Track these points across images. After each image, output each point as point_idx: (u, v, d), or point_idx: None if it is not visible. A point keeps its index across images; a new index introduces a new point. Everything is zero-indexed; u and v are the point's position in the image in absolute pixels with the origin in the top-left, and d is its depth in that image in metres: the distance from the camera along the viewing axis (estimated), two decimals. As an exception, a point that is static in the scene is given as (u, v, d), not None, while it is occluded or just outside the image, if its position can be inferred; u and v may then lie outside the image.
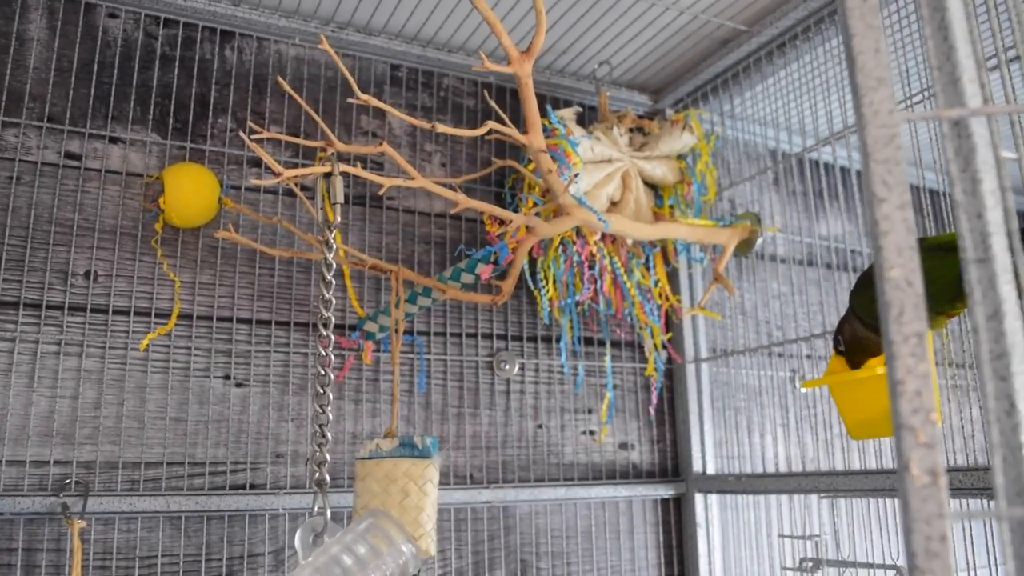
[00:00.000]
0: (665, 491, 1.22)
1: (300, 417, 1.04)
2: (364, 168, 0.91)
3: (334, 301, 0.81)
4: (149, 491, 0.94)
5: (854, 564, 1.02)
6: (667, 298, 1.21)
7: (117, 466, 0.95)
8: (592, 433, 1.21)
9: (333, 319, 0.81)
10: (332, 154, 0.77)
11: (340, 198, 0.76)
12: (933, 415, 0.38)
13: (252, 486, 0.99)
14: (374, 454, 0.89)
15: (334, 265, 0.80)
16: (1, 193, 0.96)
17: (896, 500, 1.03)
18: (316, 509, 0.70)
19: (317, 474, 0.71)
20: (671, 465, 1.26)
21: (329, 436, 0.73)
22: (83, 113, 1.01)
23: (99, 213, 1.00)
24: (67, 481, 0.91)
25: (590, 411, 1.22)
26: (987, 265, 0.40)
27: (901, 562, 0.97)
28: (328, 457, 0.72)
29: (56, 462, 0.92)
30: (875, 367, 0.88)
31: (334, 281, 0.82)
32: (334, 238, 0.80)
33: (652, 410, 1.18)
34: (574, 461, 1.19)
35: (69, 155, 1.00)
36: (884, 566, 1.00)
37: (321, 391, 0.74)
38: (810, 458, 1.28)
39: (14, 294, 0.95)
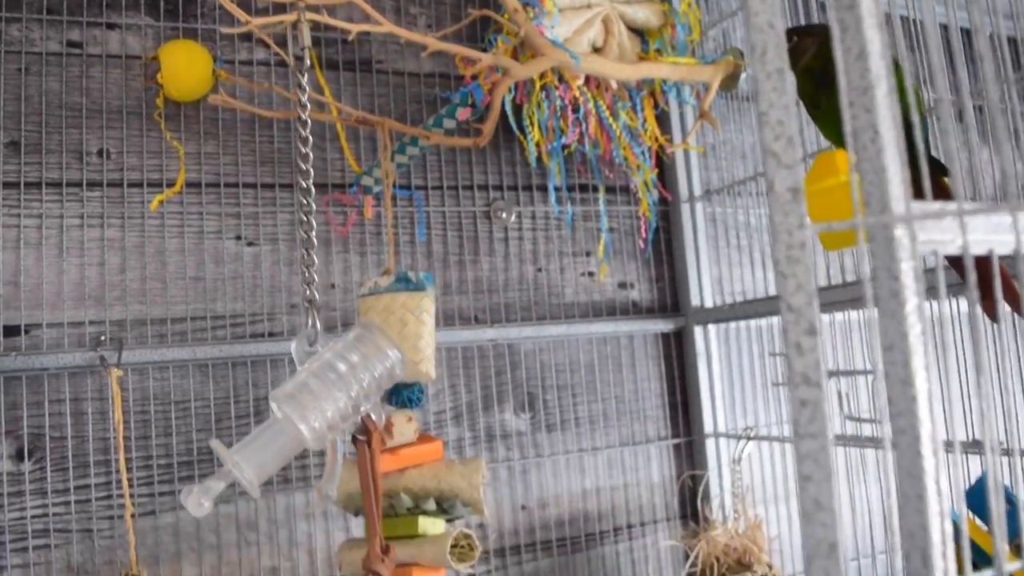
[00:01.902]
0: (665, 326, 1.29)
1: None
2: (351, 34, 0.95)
3: (311, 156, 0.86)
4: (176, 343, 1.04)
5: (837, 372, 1.08)
6: (656, 139, 1.24)
7: (146, 323, 1.04)
8: (591, 274, 1.27)
9: (312, 171, 0.86)
10: (300, 3, 0.81)
11: (307, 42, 0.81)
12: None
13: (271, 334, 1.08)
14: (373, 290, 0.96)
15: (308, 121, 0.85)
16: (13, 84, 1.03)
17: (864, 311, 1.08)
18: (309, 323, 0.78)
19: (307, 291, 0.78)
20: (670, 302, 1.32)
21: (315, 259, 0.80)
22: (79, 3, 1.06)
23: (105, 95, 1.06)
24: (102, 338, 1.00)
25: (588, 254, 1.27)
26: (854, 11, 0.44)
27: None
28: (316, 277, 0.79)
29: (91, 322, 1.02)
30: (841, 172, 0.92)
31: (310, 137, 0.87)
32: (307, 93, 0.84)
33: (643, 243, 1.23)
34: (574, 301, 1.26)
35: (71, 44, 1.06)
36: (864, 372, 1.06)
37: (305, 236, 0.80)
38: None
39: (36, 175, 1.02)
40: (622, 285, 1.29)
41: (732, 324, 1.29)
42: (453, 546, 0.92)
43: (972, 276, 0.43)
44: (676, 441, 1.29)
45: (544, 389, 1.22)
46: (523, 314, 1.22)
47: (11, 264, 0.99)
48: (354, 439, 0.78)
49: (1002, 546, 0.45)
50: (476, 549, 0.94)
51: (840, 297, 1.05)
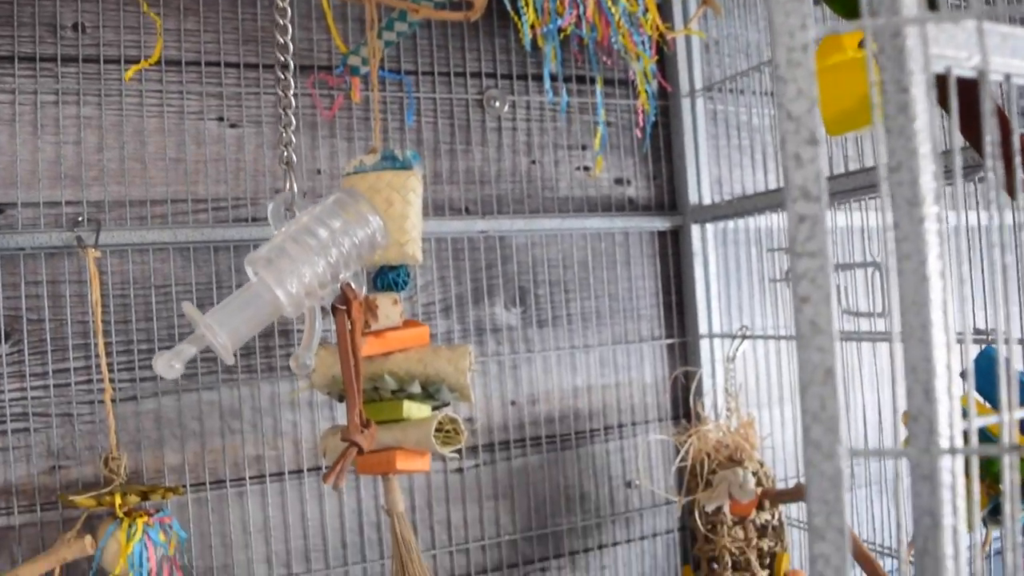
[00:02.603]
0: (662, 223, 1.26)
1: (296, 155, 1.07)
2: None
3: (291, 46, 0.82)
4: (157, 226, 1.00)
5: (837, 266, 1.05)
6: (657, 28, 1.19)
7: (125, 204, 1.00)
8: (587, 169, 1.23)
9: (291, 44, 0.82)
10: None
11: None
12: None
13: (254, 219, 1.04)
14: (358, 169, 0.93)
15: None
16: (-20, -45, 0.97)
17: (871, 200, 1.04)
18: (287, 186, 0.75)
19: (285, 154, 0.75)
20: (668, 200, 1.28)
21: (293, 118, 0.76)
22: None
23: (77, -34, 1.01)
24: (80, 219, 0.97)
25: (584, 147, 1.23)
26: None
27: (880, 259, 1.00)
28: (294, 139, 0.75)
29: (68, 202, 0.98)
30: (848, 50, 0.87)
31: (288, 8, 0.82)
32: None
33: (641, 132, 1.19)
34: (569, 195, 1.22)
35: (39, -89, 1.00)
36: (864, 264, 1.03)
37: (283, 94, 0.76)
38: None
39: (8, 48, 0.97)
40: (618, 181, 1.26)
41: (731, 223, 1.26)
42: (438, 430, 0.91)
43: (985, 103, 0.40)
44: (670, 341, 1.27)
45: (536, 284, 1.19)
46: (515, 207, 1.18)
47: (-17, 141, 0.96)
48: (333, 309, 0.75)
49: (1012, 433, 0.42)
50: (462, 434, 0.93)
51: (843, 187, 1.01)
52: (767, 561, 1.09)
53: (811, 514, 0.38)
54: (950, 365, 0.38)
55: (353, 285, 0.74)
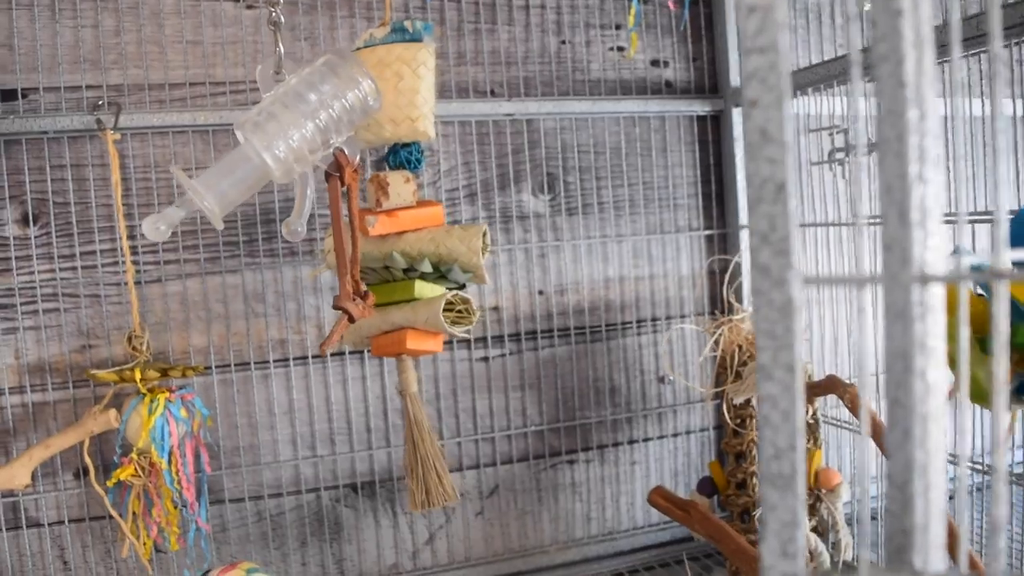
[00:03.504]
0: (701, 108, 1.19)
1: (313, 36, 1.05)
2: None
3: None
4: (176, 108, 1.00)
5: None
6: None
7: (144, 88, 1.00)
8: (621, 49, 1.17)
9: None
10: None
11: None
12: None
13: (271, 101, 1.03)
14: (368, 43, 0.89)
15: None
16: None
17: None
18: (275, 49, 0.72)
19: (273, 14, 0.72)
20: (708, 82, 1.22)
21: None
22: None
23: None
24: (100, 102, 0.97)
25: (618, 27, 1.17)
26: None
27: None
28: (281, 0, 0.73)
29: (88, 86, 0.98)
30: None
31: None
32: None
33: (674, 5, 1.12)
34: (601, 78, 1.17)
35: None
36: (832, 128, 0.97)
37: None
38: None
39: (22, -70, 0.96)
40: (655, 63, 1.19)
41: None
42: (448, 309, 0.89)
43: None
44: (708, 232, 1.22)
45: (566, 170, 1.15)
46: (544, 89, 1.14)
47: (4, 26, 0.95)
48: (327, 175, 0.73)
49: None
50: (473, 314, 0.91)
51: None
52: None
53: (758, 349, 0.35)
54: (926, 178, 0.34)
55: (346, 151, 0.72)
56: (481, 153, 1.11)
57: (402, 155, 0.91)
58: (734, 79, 1.18)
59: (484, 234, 0.92)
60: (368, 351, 1.05)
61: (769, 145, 0.33)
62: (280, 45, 0.73)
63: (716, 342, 1.06)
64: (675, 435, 1.22)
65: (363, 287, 0.75)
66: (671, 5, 1.12)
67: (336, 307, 0.74)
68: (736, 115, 1.18)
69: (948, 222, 0.82)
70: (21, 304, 0.97)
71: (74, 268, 0.98)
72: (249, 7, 1.03)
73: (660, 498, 0.94)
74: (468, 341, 1.12)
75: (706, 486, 1.05)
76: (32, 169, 0.96)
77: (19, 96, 0.96)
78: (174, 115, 0.99)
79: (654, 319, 1.20)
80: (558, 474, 1.18)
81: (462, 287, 0.94)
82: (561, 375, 1.16)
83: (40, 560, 0.99)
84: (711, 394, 1.09)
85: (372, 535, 1.10)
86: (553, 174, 1.14)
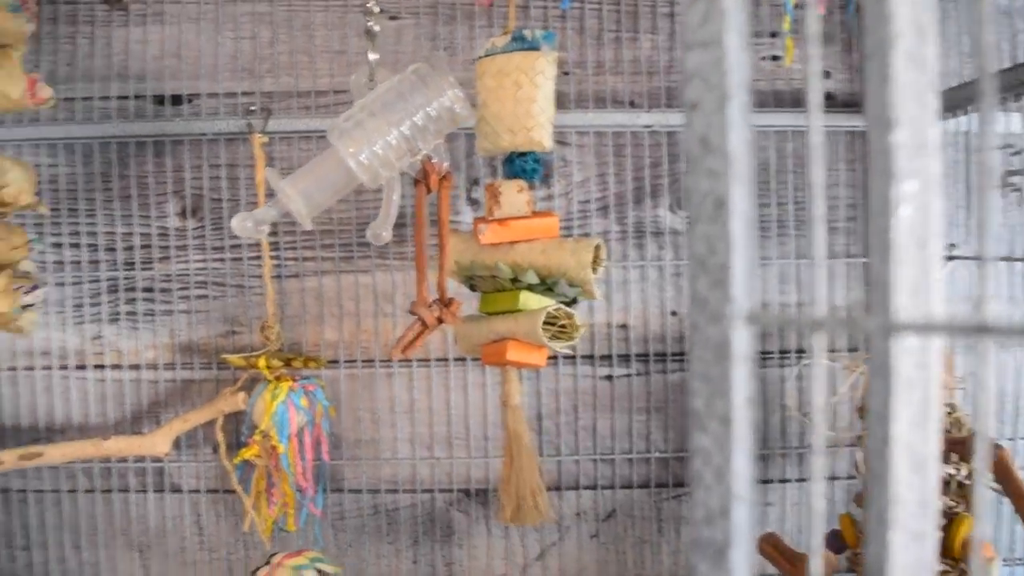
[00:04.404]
0: (864, 123, 1.08)
1: (453, 47, 1.07)
2: None
3: None
4: (320, 114, 1.05)
5: None
6: None
7: (293, 94, 1.06)
8: (776, 58, 1.10)
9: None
10: None
11: None
12: None
13: (407, 108, 1.06)
14: (489, 52, 0.89)
15: None
16: None
17: None
18: (369, 54, 0.74)
19: (368, 23, 0.74)
20: (879, 95, 1.10)
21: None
22: None
23: None
24: (252, 107, 1.04)
25: (773, 35, 1.09)
26: None
27: None
28: (377, 8, 0.74)
29: (243, 93, 1.06)
30: None
31: None
32: None
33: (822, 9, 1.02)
34: (752, 88, 1.09)
35: None
36: None
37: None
38: None
39: (204, -50, 1.06)
40: (814, 72, 1.10)
41: (950, 122, 1.05)
42: (549, 324, 0.87)
43: None
44: (867, 260, 1.11)
45: (705, 186, 1.09)
46: (669, 101, 1.08)
47: (173, 38, 1.06)
48: (415, 181, 0.74)
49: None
50: (577, 329, 0.89)
51: None
52: (943, 523, 0.93)
53: (691, 394, 0.30)
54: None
55: (434, 159, 0.72)
56: (617, 165, 1.08)
57: (518, 164, 0.90)
58: (908, 91, 1.07)
59: (597, 248, 0.89)
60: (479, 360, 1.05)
61: (710, 156, 0.29)
62: (375, 55, 0.74)
63: (855, 380, 0.95)
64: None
65: (448, 294, 0.74)
66: (820, 10, 1.03)
67: (411, 312, 0.75)
68: (908, 131, 1.06)
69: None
70: (177, 289, 1.07)
71: (223, 260, 1.07)
72: (392, 18, 1.06)
73: (769, 546, 0.87)
74: (592, 357, 1.09)
75: (834, 541, 0.95)
76: (192, 167, 1.06)
77: (184, 101, 1.06)
78: (318, 120, 1.04)
79: (799, 351, 1.11)
80: (682, 506, 1.11)
81: (573, 302, 0.92)
82: (674, 402, 1.10)
83: (179, 523, 1.08)
84: (846, 439, 0.99)
85: (483, 543, 1.10)
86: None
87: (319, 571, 0.74)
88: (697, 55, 0.29)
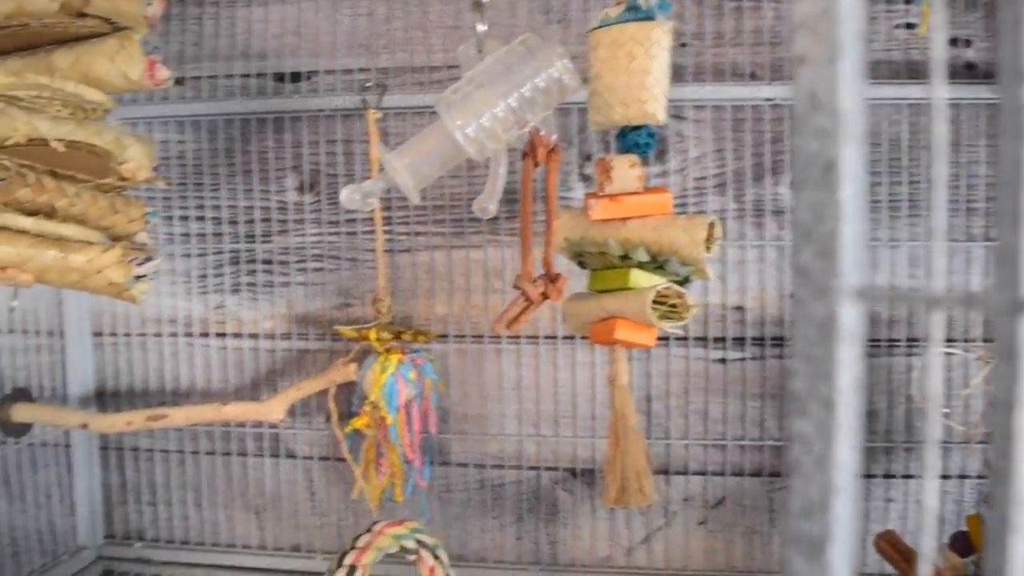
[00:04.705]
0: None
1: (567, 19, 1.05)
2: None
3: None
4: (434, 90, 1.05)
5: None
6: None
7: (408, 70, 1.07)
8: (910, 26, 1.02)
9: None
10: None
11: None
12: None
13: (519, 83, 1.05)
14: (603, 22, 0.87)
15: None
16: None
17: None
18: (477, 26, 0.73)
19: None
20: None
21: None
22: None
23: None
24: (367, 83, 1.06)
25: (908, 0, 1.02)
26: None
27: None
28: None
29: (360, 69, 1.08)
30: None
31: None
32: None
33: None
34: (884, 59, 1.02)
35: None
36: None
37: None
38: None
39: (325, -71, 1.08)
40: (954, 41, 1.02)
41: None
42: (659, 303, 0.85)
43: None
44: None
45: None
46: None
47: (293, 17, 1.08)
48: (523, 154, 0.72)
49: None
50: (687, 309, 0.86)
51: None
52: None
53: (793, 375, 0.28)
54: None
55: (542, 131, 0.71)
56: (736, 141, 1.04)
57: (630, 139, 0.88)
58: (1064, 59, 0.97)
59: (711, 226, 0.86)
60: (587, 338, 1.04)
61: (819, 114, 0.27)
62: (483, 26, 0.73)
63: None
64: (945, 477, 1.05)
65: (554, 269, 0.73)
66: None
67: (515, 286, 0.74)
68: (1063, 103, 0.97)
69: None
70: (294, 262, 1.10)
71: (338, 234, 1.09)
72: (509, -10, 1.05)
73: (887, 544, 0.82)
74: (705, 339, 1.06)
75: (960, 542, 0.89)
76: (309, 143, 1.08)
77: (303, 78, 1.08)
78: (432, 95, 1.04)
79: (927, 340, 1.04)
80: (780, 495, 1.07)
81: (685, 281, 0.89)
82: (807, 388, 1.05)
83: (293, 488, 1.12)
84: (975, 435, 0.92)
85: (588, 523, 1.09)
86: (816, 165, 1.03)
87: (419, 541, 0.75)
88: (805, 3, 0.26)
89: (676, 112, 1.04)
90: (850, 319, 0.27)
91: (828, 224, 0.26)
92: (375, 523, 0.75)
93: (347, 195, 0.69)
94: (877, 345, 1.04)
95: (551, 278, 0.75)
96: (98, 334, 1.14)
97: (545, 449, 1.09)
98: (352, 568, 0.69)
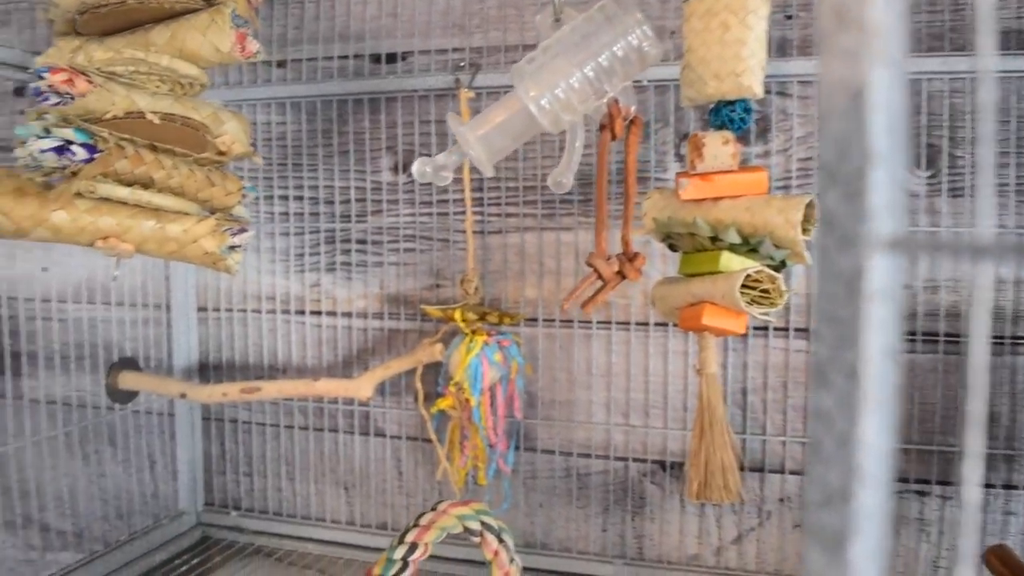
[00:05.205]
0: None
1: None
2: None
3: None
4: (526, 68, 1.04)
5: None
6: None
7: (501, 49, 1.05)
8: (1053, -11, 0.92)
9: None
10: None
11: None
12: None
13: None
14: (696, -11, 0.83)
15: None
16: None
17: None
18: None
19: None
20: None
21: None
22: None
23: None
24: (461, 63, 1.05)
25: (1051, -40, 0.92)
26: None
27: None
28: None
29: (454, 49, 1.07)
30: None
31: None
32: None
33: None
34: (1013, 28, 0.93)
35: None
36: None
37: None
38: None
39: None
40: (1105, 4, 0.91)
41: None
42: (749, 287, 0.80)
43: None
44: None
45: (953, 142, 0.94)
46: (931, 43, 0.94)
47: (390, -2, 1.09)
48: (601, 126, 0.69)
49: None
50: (781, 295, 0.80)
51: None
52: None
53: (815, 339, 0.24)
54: None
55: (621, 102, 0.67)
56: (846, 118, 0.97)
57: (724, 114, 0.83)
58: None
59: (809, 207, 0.80)
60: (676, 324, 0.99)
61: (845, 31, 0.23)
62: (560, -10, 0.71)
63: None
64: (1079, 489, 0.95)
65: (632, 248, 0.70)
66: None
67: (587, 264, 0.71)
68: None
69: None
70: (387, 242, 1.11)
71: (430, 214, 1.09)
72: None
73: (997, 559, 0.74)
74: (807, 331, 0.99)
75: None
76: (404, 123, 1.08)
77: (399, 59, 1.08)
78: (524, 74, 1.02)
79: (1067, 337, 0.94)
80: (903, 504, 0.99)
81: (781, 266, 0.83)
82: (921, 388, 0.97)
83: (381, 466, 1.13)
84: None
85: (676, 519, 1.05)
86: (936, 146, 0.95)
87: (484, 523, 0.73)
88: None
89: (781, 88, 0.98)
90: (881, 273, 0.23)
91: (855, 161, 0.22)
92: (439, 502, 0.74)
93: (419, 167, 0.68)
94: (1001, 342, 0.95)
95: (629, 257, 0.71)
96: (202, 309, 1.19)
97: (634, 439, 1.05)
98: (413, 545, 0.68)
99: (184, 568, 1.04)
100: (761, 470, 1.01)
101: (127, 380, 1.04)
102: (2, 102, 1.23)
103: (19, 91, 1.23)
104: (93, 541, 1.11)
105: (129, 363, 1.07)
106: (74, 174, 0.72)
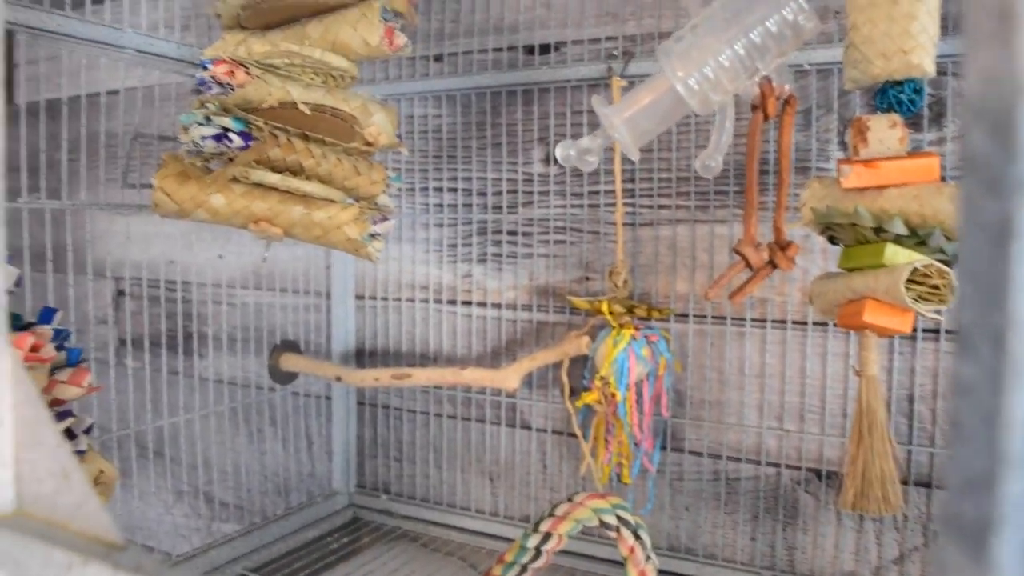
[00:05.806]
0: None
1: None
2: None
3: None
4: (681, 56, 1.01)
5: None
6: None
7: (655, 37, 1.03)
8: None
9: None
10: None
11: None
12: None
13: (774, 44, 0.96)
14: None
15: None
16: None
17: None
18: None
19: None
20: None
21: None
22: None
23: None
24: (614, 52, 1.03)
25: None
26: None
27: None
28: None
29: (607, 38, 1.05)
30: None
31: None
32: None
33: None
34: None
35: None
36: None
37: None
38: None
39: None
40: None
41: None
42: (916, 282, 0.73)
43: None
44: None
45: None
46: None
47: (549, -15, 1.08)
48: (752, 107, 0.66)
49: None
50: (952, 291, 0.73)
51: None
52: None
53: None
54: None
55: (773, 81, 0.64)
56: None
57: (891, 95, 0.77)
58: None
59: (991, 195, 0.73)
60: (835, 323, 0.93)
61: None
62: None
63: None
64: None
65: (785, 236, 0.66)
66: None
67: (735, 251, 0.67)
68: None
69: None
70: (537, 234, 1.11)
71: (581, 206, 1.08)
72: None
73: None
74: (928, 315, 0.90)
75: None
76: (556, 114, 1.08)
77: (552, 50, 1.08)
78: (679, 62, 0.99)
79: None
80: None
81: (953, 260, 0.76)
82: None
83: (526, 458, 1.13)
84: None
85: (831, 532, 0.98)
86: None
87: (620, 518, 0.71)
88: None
89: (958, 69, 0.90)
90: (1038, 224, 0.20)
91: (1005, 91, 0.20)
92: (575, 493, 0.73)
93: (563, 151, 0.67)
94: None
95: (781, 245, 0.67)
96: (360, 297, 1.23)
97: (788, 445, 1.00)
98: (547, 535, 0.67)
99: (335, 546, 1.09)
100: (928, 485, 0.93)
101: (288, 362, 1.10)
102: (185, 98, 1.33)
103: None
104: (253, 514, 1.18)
105: (291, 346, 1.13)
106: (231, 160, 0.77)
